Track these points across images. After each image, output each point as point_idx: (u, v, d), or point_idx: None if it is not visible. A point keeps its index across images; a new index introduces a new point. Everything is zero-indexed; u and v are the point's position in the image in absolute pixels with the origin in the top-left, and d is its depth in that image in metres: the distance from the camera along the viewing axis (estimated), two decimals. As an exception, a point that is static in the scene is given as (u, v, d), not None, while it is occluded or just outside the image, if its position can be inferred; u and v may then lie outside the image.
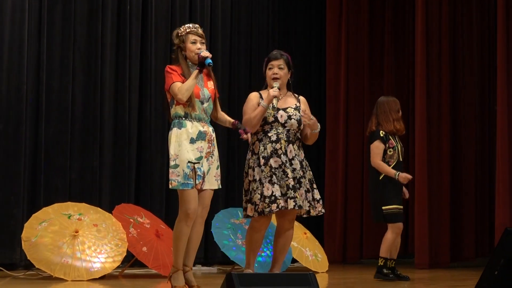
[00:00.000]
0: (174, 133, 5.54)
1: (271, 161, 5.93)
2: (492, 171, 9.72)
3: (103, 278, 6.93)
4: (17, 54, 7.68)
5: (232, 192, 9.27)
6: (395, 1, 10.53)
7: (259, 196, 5.90)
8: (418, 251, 9.17)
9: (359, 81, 10.35)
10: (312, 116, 6.14)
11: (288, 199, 5.91)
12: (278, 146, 5.98)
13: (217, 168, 5.65)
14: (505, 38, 8.59)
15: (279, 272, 6.13)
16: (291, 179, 5.93)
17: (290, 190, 5.91)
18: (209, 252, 8.93)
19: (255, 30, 9.85)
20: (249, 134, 5.76)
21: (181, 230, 5.51)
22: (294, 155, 6.03)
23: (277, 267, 6.13)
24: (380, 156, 7.31)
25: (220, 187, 5.75)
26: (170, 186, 5.52)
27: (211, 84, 5.70)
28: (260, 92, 6.17)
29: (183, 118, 5.55)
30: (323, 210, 6.17)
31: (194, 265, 7.23)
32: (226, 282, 4.33)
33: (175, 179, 5.47)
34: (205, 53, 5.55)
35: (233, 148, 9.42)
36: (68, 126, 8.03)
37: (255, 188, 5.93)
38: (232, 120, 5.81)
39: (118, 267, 7.18)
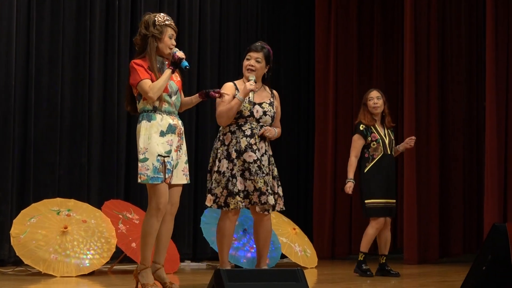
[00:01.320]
0: (143, 126, 5.41)
1: (245, 156, 5.90)
2: (481, 167, 9.76)
3: (92, 274, 6.93)
4: (5, 50, 7.65)
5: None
6: (383, 2, 10.55)
7: (221, 189, 5.88)
8: (407, 246, 9.21)
9: (348, 80, 10.36)
10: (273, 130, 6.07)
11: (269, 195, 5.94)
12: (252, 141, 5.95)
13: (185, 163, 5.56)
14: (494, 35, 8.62)
15: (266, 266, 6.13)
16: (268, 175, 5.98)
17: (268, 187, 5.95)
18: (198, 248, 8.93)
19: (243, 27, 9.85)
20: (222, 92, 5.83)
21: (152, 225, 5.39)
22: (264, 151, 6.02)
23: (263, 261, 6.11)
24: (356, 150, 7.32)
25: (189, 181, 5.66)
26: (139, 181, 5.39)
27: (176, 76, 5.59)
28: (235, 82, 6.13)
29: (152, 111, 5.43)
30: (283, 208, 6.16)
31: (183, 261, 7.25)
32: (215, 278, 4.33)
33: (144, 173, 5.35)
34: (181, 53, 5.44)
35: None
36: (57, 122, 8.01)
37: (218, 180, 5.90)
38: (197, 94, 5.73)
39: (107, 263, 7.17)
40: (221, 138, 6.00)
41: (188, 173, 5.60)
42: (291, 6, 10.55)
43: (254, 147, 5.95)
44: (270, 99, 6.13)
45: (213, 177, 5.94)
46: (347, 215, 10.19)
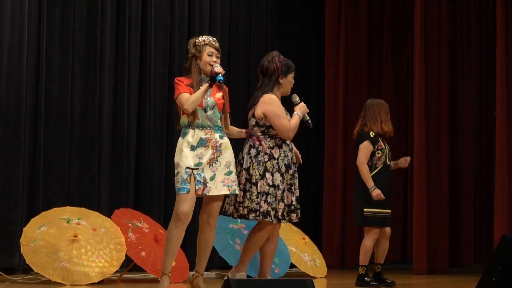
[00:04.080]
0: (179, 142, 5.63)
1: (291, 170, 6.00)
2: (491, 177, 9.73)
3: (101, 282, 6.93)
4: (16, 59, 7.68)
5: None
6: (393, 8, 10.54)
7: (279, 203, 5.92)
8: (417, 256, 9.18)
9: (358, 87, 10.34)
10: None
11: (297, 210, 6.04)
12: (292, 155, 6.06)
13: (227, 174, 5.64)
14: (504, 44, 8.62)
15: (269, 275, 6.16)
16: (297, 190, 6.07)
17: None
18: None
19: (253, 35, 9.87)
20: (263, 142, 5.88)
21: (171, 231, 5.55)
22: None
23: (269, 273, 6.16)
24: (367, 157, 7.24)
25: (235, 192, 5.70)
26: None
27: (219, 94, 5.72)
28: (276, 97, 6.09)
29: (187, 127, 5.62)
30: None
31: (192, 270, 7.24)
32: (224, 288, 4.33)
33: (176, 185, 5.56)
34: (219, 68, 5.62)
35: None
36: (67, 130, 8.03)
37: (275, 194, 5.92)
38: (244, 130, 5.91)
39: (116, 271, 7.17)
40: (268, 152, 5.95)
41: (232, 183, 5.66)
42: (300, 12, 10.56)
43: (293, 161, 6.07)
44: None
45: (270, 191, 5.89)
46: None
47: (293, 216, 6.00)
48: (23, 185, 7.64)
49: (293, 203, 5.98)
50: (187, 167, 5.51)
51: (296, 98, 6.17)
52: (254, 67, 9.69)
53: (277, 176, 5.92)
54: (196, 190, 5.52)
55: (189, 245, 7.80)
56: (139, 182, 8.56)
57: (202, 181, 5.53)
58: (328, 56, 10.36)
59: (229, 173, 5.66)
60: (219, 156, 5.63)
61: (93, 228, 7.10)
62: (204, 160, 5.56)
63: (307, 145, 10.48)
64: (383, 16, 10.53)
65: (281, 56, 6.14)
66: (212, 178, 5.58)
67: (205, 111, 5.62)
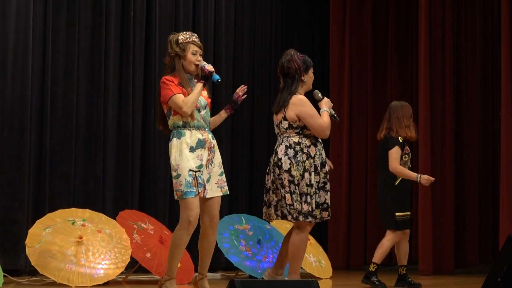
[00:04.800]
0: (174, 143, 5.51)
1: (324, 169, 5.98)
2: (496, 178, 9.73)
3: (107, 284, 6.94)
4: (21, 60, 7.69)
5: (235, 199, 9.28)
6: (398, 6, 10.54)
7: (315, 202, 5.91)
8: (422, 257, 9.17)
9: (363, 87, 10.34)
10: None
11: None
12: (324, 154, 6.04)
13: (220, 175, 5.62)
14: (509, 44, 8.59)
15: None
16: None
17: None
18: (212, 258, 8.82)
19: (258, 35, 9.87)
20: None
21: (181, 238, 5.48)
22: None
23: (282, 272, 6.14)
24: (398, 161, 7.19)
25: (227, 193, 5.70)
26: (175, 197, 5.51)
27: (205, 92, 5.67)
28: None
29: (182, 128, 5.52)
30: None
31: (197, 271, 7.24)
32: (229, 289, 4.33)
33: (178, 189, 5.46)
34: (210, 67, 5.55)
35: (237, 156, 9.42)
36: (72, 132, 8.04)
37: (312, 194, 5.90)
38: (223, 110, 5.79)
39: (122, 273, 7.18)
40: (305, 151, 5.91)
41: (224, 184, 5.64)
42: (305, 12, 10.57)
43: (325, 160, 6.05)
44: None
45: (308, 191, 5.87)
46: (362, 225, 10.16)
47: (325, 214, 5.97)
48: (28, 186, 7.65)
49: (326, 201, 5.96)
50: (190, 170, 5.44)
51: (318, 94, 6.14)
52: (258, 66, 9.71)
53: (314, 175, 5.91)
54: (199, 193, 5.48)
55: (194, 246, 7.81)
56: (144, 183, 8.56)
57: (202, 183, 5.49)
58: (333, 55, 10.35)
59: (221, 173, 5.65)
60: (213, 157, 5.59)
61: (98, 230, 7.11)
62: (204, 162, 5.52)
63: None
64: (388, 15, 10.51)
65: (298, 53, 6.08)
66: (208, 180, 5.55)
67: (199, 111, 5.56)
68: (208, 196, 5.54)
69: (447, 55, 9.56)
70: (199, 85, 5.50)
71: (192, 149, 5.47)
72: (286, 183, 5.85)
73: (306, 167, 5.88)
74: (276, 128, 6.06)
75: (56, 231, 6.97)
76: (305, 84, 6.03)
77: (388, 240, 7.22)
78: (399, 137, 7.24)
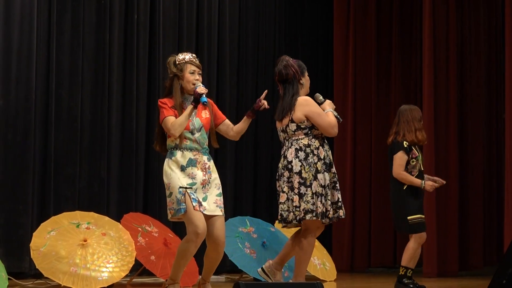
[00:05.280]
0: (166, 163, 5.58)
1: (333, 168, 6.01)
2: (500, 180, 9.71)
3: (111, 287, 6.94)
4: (25, 63, 7.70)
5: (240, 202, 9.28)
6: (402, 8, 10.54)
7: (329, 202, 5.93)
8: (426, 260, 9.16)
9: (367, 90, 10.34)
10: None
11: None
12: (330, 154, 6.08)
13: (217, 195, 5.60)
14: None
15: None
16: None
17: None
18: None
19: (262, 38, 9.87)
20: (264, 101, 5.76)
21: (188, 250, 5.49)
22: None
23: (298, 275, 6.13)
24: (402, 167, 7.15)
25: (223, 214, 5.64)
26: (169, 217, 5.56)
27: (205, 113, 5.66)
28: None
29: (174, 149, 5.57)
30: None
31: (201, 274, 7.25)
32: (234, 291, 4.34)
33: (171, 207, 5.51)
34: (201, 88, 5.52)
35: (240, 159, 9.42)
36: (77, 135, 8.05)
37: (326, 194, 5.93)
38: (245, 117, 5.74)
39: (126, 276, 7.17)
40: (315, 153, 5.94)
41: (222, 205, 5.62)
42: (309, 15, 10.56)
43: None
44: None
45: (323, 192, 5.89)
46: (366, 228, 10.15)
47: (341, 212, 6.00)
48: (32, 189, 7.66)
49: (339, 199, 5.99)
50: (180, 187, 5.46)
51: (320, 97, 6.18)
52: (262, 70, 9.71)
53: (326, 175, 5.94)
54: (194, 207, 5.45)
55: (200, 248, 7.81)
56: (148, 186, 8.56)
57: (196, 199, 5.47)
58: (337, 56, 10.35)
59: (219, 194, 5.63)
60: (210, 178, 5.59)
61: (102, 233, 7.11)
62: (198, 181, 5.51)
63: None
64: (392, 16, 10.52)
65: (292, 58, 6.17)
66: (204, 199, 5.53)
67: (192, 133, 5.56)
68: (206, 212, 5.51)
69: (451, 56, 9.56)
70: (189, 108, 5.49)
71: (183, 168, 5.51)
72: (296, 185, 5.87)
73: (319, 168, 5.91)
74: (282, 133, 6.07)
75: (60, 234, 6.97)
76: (303, 87, 6.11)
77: (413, 242, 7.16)
78: (404, 142, 7.20)
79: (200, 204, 5.48)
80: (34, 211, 7.66)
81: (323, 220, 5.92)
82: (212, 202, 5.56)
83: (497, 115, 10.05)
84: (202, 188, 5.53)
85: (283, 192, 5.94)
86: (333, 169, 6.01)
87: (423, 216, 7.21)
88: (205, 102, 5.50)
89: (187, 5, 9.00)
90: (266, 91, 5.86)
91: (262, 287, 4.45)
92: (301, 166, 5.88)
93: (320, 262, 8.37)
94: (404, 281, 7.19)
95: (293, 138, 5.97)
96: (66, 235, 6.97)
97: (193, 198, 5.44)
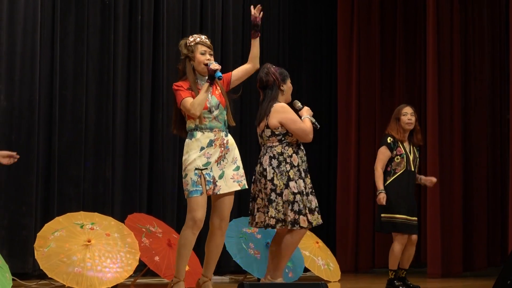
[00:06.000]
0: (186, 144, 5.59)
1: (309, 174, 6.10)
2: (505, 181, 9.70)
3: (115, 287, 6.94)
4: (29, 64, 7.70)
5: (244, 203, 9.26)
6: (405, 11, 10.53)
7: (307, 209, 5.98)
8: (431, 260, 9.16)
9: (371, 92, 10.34)
10: None
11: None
12: (305, 160, 6.15)
13: (235, 169, 5.63)
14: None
15: (281, 278, 6.16)
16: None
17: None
18: (221, 261, 8.88)
19: (266, 39, 9.87)
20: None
21: (186, 237, 5.51)
22: None
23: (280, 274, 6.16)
24: (382, 162, 7.22)
25: (245, 187, 5.72)
26: (185, 196, 5.57)
27: (218, 91, 5.69)
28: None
29: (194, 130, 5.58)
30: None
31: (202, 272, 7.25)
32: (239, 292, 4.34)
33: (185, 188, 5.53)
34: (215, 65, 5.56)
35: (245, 159, 9.40)
36: (81, 136, 8.05)
37: (302, 200, 5.98)
38: (252, 39, 5.89)
39: (130, 276, 7.18)
40: (288, 161, 6.03)
41: (241, 179, 5.67)
42: (312, 16, 10.56)
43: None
44: None
45: (296, 199, 5.96)
46: (370, 228, 10.14)
47: (319, 217, 6.08)
48: (36, 190, 7.66)
49: (317, 205, 6.07)
50: (196, 168, 5.49)
51: (298, 103, 6.30)
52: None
53: (301, 182, 6.00)
54: (207, 191, 5.50)
55: (202, 250, 7.82)
56: (152, 186, 8.57)
57: (211, 180, 5.51)
58: (341, 58, 10.35)
59: (237, 168, 5.66)
60: (226, 153, 5.61)
61: (106, 233, 7.11)
62: (212, 159, 5.54)
63: (319, 149, 10.47)
64: (395, 17, 10.52)
65: (274, 66, 6.29)
66: (221, 176, 5.56)
67: (211, 111, 5.58)
68: (221, 192, 5.55)
69: (455, 57, 9.56)
70: (205, 85, 5.53)
71: (202, 149, 5.53)
72: (268, 191, 5.98)
73: (291, 176, 5.99)
74: (259, 138, 6.19)
75: (64, 234, 6.96)
76: (283, 94, 6.19)
77: (396, 243, 7.22)
78: (388, 138, 7.30)
79: (215, 185, 5.52)
80: (37, 212, 7.67)
81: (295, 227, 5.97)
82: (229, 177, 5.60)
83: (502, 116, 10.03)
84: (218, 164, 5.56)
85: (259, 197, 6.06)
86: (309, 175, 6.11)
87: (401, 217, 7.18)
88: (220, 76, 5.56)
89: (191, 6, 9.01)
90: (259, 5, 5.94)
91: (267, 287, 4.45)
92: (273, 173, 5.98)
93: (324, 263, 8.37)
94: (394, 283, 7.20)
95: (268, 145, 6.08)
96: (70, 235, 6.97)
97: (208, 180, 5.49)
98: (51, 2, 7.91)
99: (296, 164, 6.03)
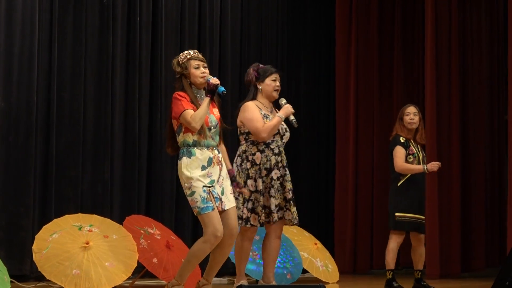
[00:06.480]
0: (184, 162, 5.52)
1: (272, 173, 6.10)
2: (503, 181, 9.72)
3: (113, 289, 6.95)
4: (27, 65, 7.69)
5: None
6: (404, 12, 10.53)
7: (261, 208, 6.06)
8: (429, 261, 9.15)
9: (369, 93, 10.34)
10: None
11: (287, 211, 6.15)
12: (279, 158, 6.16)
13: (230, 185, 5.68)
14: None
15: (273, 278, 6.18)
16: (289, 192, 6.15)
17: (287, 203, 6.16)
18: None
19: (264, 42, 9.88)
20: (244, 189, 5.97)
21: (204, 250, 5.51)
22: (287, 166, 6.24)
23: (272, 275, 6.17)
24: (403, 160, 7.28)
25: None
26: (195, 214, 5.53)
27: (216, 111, 5.70)
28: (255, 103, 6.25)
29: (191, 147, 5.54)
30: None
31: (203, 274, 7.25)
32: (237, 294, 4.33)
33: (194, 206, 5.48)
34: (214, 80, 5.56)
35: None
36: (79, 137, 8.04)
37: (258, 199, 6.07)
38: (230, 167, 5.82)
39: (128, 278, 7.16)
40: (250, 159, 6.13)
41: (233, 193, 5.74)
42: (311, 20, 10.56)
43: (280, 164, 6.15)
44: None
45: (252, 197, 6.07)
46: (369, 229, 10.15)
47: (272, 217, 6.08)
48: (34, 192, 7.65)
49: (271, 205, 6.07)
50: (204, 186, 5.47)
51: (282, 101, 6.32)
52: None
53: (259, 181, 6.07)
54: (217, 207, 5.51)
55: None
56: (150, 188, 8.56)
57: (218, 197, 5.52)
58: (339, 59, 10.35)
59: (231, 183, 5.71)
60: (221, 170, 5.62)
61: (105, 235, 7.10)
62: (215, 178, 5.55)
63: (318, 149, 10.48)
64: (394, 18, 10.52)
65: (260, 65, 6.36)
66: (222, 193, 5.57)
67: (210, 130, 5.58)
68: (227, 207, 5.58)
69: (453, 58, 9.56)
70: (206, 99, 5.52)
71: (203, 168, 5.51)
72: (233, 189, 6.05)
73: (250, 174, 6.10)
74: None
75: (63, 236, 6.96)
76: (261, 92, 6.27)
77: (391, 241, 7.27)
78: (401, 137, 7.37)
79: (221, 201, 5.54)
80: (35, 214, 7.66)
81: (247, 225, 6.09)
82: (229, 193, 5.63)
83: (499, 115, 10.05)
84: (217, 182, 5.56)
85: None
86: (274, 175, 6.09)
87: (412, 216, 7.24)
88: (224, 91, 5.55)
89: (189, 8, 9.00)
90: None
91: (265, 290, 4.45)
92: (237, 171, 6.13)
93: (323, 264, 8.37)
94: (393, 284, 7.23)
95: (240, 143, 6.24)
96: (69, 237, 6.96)
97: (216, 197, 5.50)
98: (49, 3, 7.90)
99: (258, 163, 6.08)
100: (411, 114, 7.41)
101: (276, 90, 6.26)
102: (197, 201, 5.46)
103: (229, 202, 5.60)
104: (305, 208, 10.19)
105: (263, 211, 6.09)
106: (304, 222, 9.34)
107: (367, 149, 10.24)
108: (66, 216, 7.25)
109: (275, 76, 6.28)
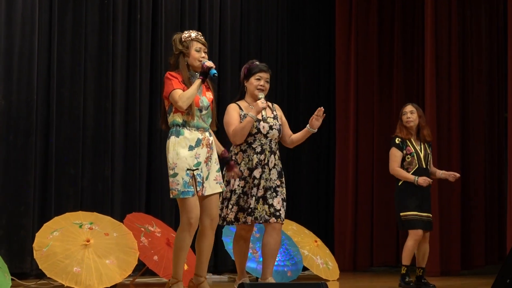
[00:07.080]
0: (172, 141, 5.50)
1: (255, 172, 6.04)
2: (503, 179, 9.72)
3: (114, 287, 6.94)
4: (27, 63, 7.67)
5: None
6: (404, 11, 10.53)
7: (232, 207, 6.04)
8: (429, 259, 9.12)
9: (369, 92, 10.34)
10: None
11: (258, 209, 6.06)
12: (262, 157, 6.07)
13: (217, 171, 5.63)
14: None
15: (270, 275, 6.17)
16: (261, 190, 6.03)
17: (259, 201, 6.05)
18: (219, 261, 8.93)
19: (264, 40, 9.88)
20: (236, 169, 5.92)
21: (184, 240, 5.49)
22: (273, 165, 6.12)
23: (269, 273, 6.15)
24: (397, 163, 7.34)
25: (224, 189, 5.80)
26: (171, 196, 5.52)
27: (209, 94, 5.66)
28: (238, 103, 6.21)
29: (181, 126, 5.52)
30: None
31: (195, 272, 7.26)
32: (239, 292, 4.33)
33: (175, 188, 5.46)
34: (209, 63, 5.54)
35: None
36: (79, 135, 8.04)
37: (234, 200, 6.04)
38: (222, 149, 5.84)
39: (129, 276, 7.17)
40: (233, 158, 6.08)
41: (221, 180, 5.70)
42: (310, 15, 10.57)
43: (263, 162, 6.07)
44: (273, 113, 6.24)
45: (232, 196, 6.06)
46: (369, 227, 10.15)
47: (249, 218, 6.03)
48: (34, 190, 7.64)
49: (251, 205, 6.00)
50: (188, 169, 5.44)
51: (258, 96, 6.16)
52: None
53: (239, 181, 6.03)
54: (197, 192, 5.48)
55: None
56: (151, 186, 8.56)
57: (201, 181, 5.50)
58: (339, 57, 10.35)
59: (218, 170, 5.67)
60: (211, 154, 5.60)
61: (105, 233, 7.11)
62: (202, 160, 5.52)
63: (318, 148, 10.48)
64: (394, 17, 10.52)
65: (255, 63, 6.26)
66: (207, 177, 5.55)
67: (201, 111, 5.55)
68: (206, 193, 5.54)
69: (453, 57, 9.56)
70: (197, 81, 5.49)
71: (191, 148, 5.48)
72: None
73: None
74: None
75: (63, 234, 6.96)
76: (247, 91, 6.22)
77: (409, 239, 7.34)
78: (396, 139, 7.42)
79: (203, 187, 5.50)
80: (35, 212, 7.65)
81: (224, 224, 6.10)
82: (213, 179, 5.58)
83: (499, 114, 10.06)
84: (206, 165, 5.54)
85: None
86: (254, 175, 6.02)
87: (417, 214, 7.26)
88: (216, 73, 5.51)
89: (189, 6, 9.00)
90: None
91: (267, 287, 4.44)
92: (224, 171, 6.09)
93: (323, 262, 8.37)
94: (405, 279, 7.26)
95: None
96: (69, 235, 6.96)
97: (198, 181, 5.46)
98: (49, 1, 7.89)
99: (239, 162, 6.05)
100: (408, 113, 7.46)
101: (259, 90, 6.12)
102: (178, 184, 5.43)
103: (211, 188, 5.56)
104: (305, 206, 10.21)
105: (233, 211, 6.04)
106: (304, 220, 9.38)
107: (366, 148, 10.24)
108: (67, 214, 7.25)
109: (260, 75, 6.14)
